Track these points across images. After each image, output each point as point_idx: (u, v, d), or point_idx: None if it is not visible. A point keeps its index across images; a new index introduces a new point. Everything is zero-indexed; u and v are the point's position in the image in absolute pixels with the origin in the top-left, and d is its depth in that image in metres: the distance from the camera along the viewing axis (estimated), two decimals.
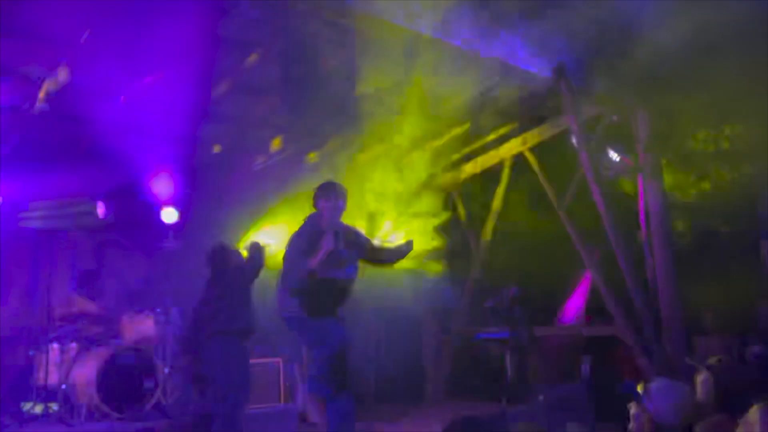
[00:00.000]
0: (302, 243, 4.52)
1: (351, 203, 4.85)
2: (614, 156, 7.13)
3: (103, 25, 5.09)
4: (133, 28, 5.00)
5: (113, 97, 5.97)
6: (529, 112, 7.99)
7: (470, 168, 9.12)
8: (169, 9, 4.78)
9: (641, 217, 7.14)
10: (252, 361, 6.95)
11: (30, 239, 7.47)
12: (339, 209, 4.70)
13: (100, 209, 7.26)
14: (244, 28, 5.56)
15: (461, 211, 9.37)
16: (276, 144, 7.99)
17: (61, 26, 5.09)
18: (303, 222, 4.74)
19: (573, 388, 5.34)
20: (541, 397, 5.33)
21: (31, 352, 6.78)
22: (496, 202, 8.85)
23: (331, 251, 4.37)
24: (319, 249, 4.33)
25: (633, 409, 2.93)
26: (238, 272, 5.29)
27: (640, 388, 2.95)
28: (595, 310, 8.41)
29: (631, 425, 2.92)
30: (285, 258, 4.62)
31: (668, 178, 7.32)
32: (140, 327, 6.96)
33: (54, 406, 6.43)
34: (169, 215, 7.60)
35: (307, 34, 5.46)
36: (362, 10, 4.85)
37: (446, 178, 9.40)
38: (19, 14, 4.89)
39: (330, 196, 4.69)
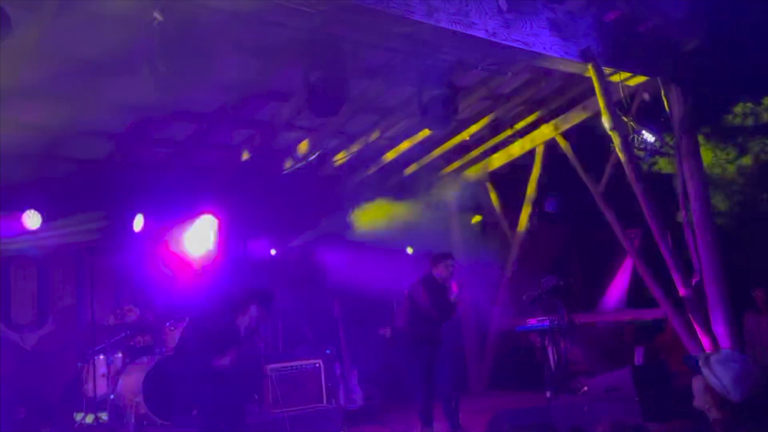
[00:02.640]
0: None
1: None
2: (649, 136, 6.93)
3: None
4: None
5: None
6: (558, 97, 7.85)
7: (502, 157, 9.01)
8: None
9: (680, 197, 6.95)
10: (292, 363, 7.05)
11: (72, 254, 7.64)
12: None
13: (139, 222, 7.38)
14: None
15: (495, 201, 9.27)
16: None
17: None
18: None
19: (619, 376, 5.20)
20: (585, 389, 5.22)
21: (79, 364, 6.95)
22: (530, 190, 8.71)
23: None
24: None
25: (696, 383, 2.77)
26: None
27: (701, 362, 2.78)
28: (638, 296, 8.25)
29: (696, 401, 2.77)
30: None
31: (706, 156, 7.10)
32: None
33: (104, 416, 6.59)
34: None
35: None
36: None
37: (477, 169, 9.33)
38: None
39: None
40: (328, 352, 7.71)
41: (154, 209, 7.45)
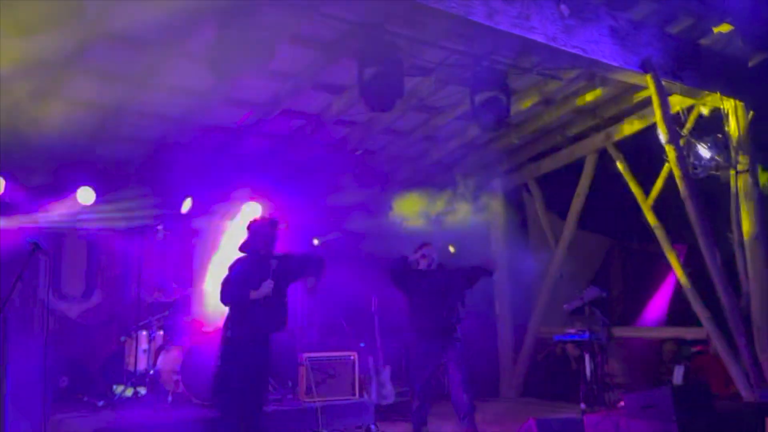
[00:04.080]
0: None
1: None
2: (704, 152, 6.77)
3: None
4: None
5: None
6: (612, 106, 7.72)
7: (551, 163, 8.90)
8: None
9: (733, 215, 6.78)
10: (327, 354, 7.12)
11: (120, 232, 7.84)
12: None
13: (187, 204, 7.53)
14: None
15: (540, 206, 9.16)
16: None
17: None
18: None
19: (659, 394, 5.09)
20: (622, 404, 5.14)
21: (122, 338, 7.13)
22: (578, 199, 8.59)
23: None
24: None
25: None
26: None
27: None
28: (680, 313, 8.08)
29: None
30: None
31: (763, 174, 6.92)
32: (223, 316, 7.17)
33: (142, 391, 6.75)
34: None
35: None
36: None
37: (525, 173, 9.24)
38: None
39: None
40: (362, 345, 7.75)
41: (203, 193, 7.59)
